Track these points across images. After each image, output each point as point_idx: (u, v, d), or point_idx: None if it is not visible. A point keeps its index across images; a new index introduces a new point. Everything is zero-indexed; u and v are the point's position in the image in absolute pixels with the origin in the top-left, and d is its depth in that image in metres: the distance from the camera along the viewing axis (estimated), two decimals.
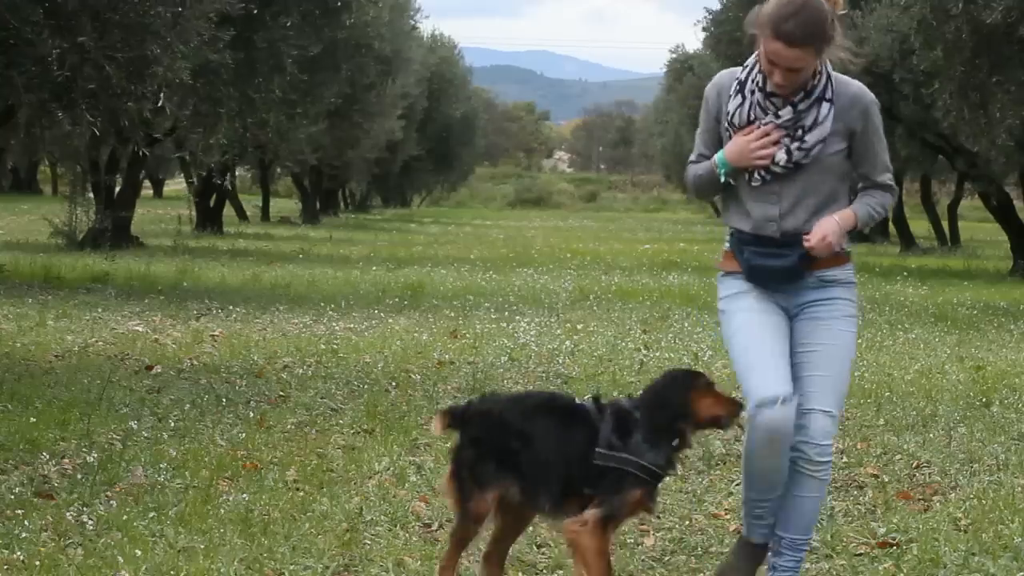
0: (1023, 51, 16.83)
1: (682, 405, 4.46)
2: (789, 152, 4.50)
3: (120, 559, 4.91)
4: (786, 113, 4.50)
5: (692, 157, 4.72)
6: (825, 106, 4.52)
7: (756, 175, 4.53)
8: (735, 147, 4.52)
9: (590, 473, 4.42)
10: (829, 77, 4.55)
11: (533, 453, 4.48)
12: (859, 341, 12.06)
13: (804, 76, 4.47)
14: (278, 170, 43.20)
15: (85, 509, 5.59)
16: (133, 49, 11.46)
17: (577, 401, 4.68)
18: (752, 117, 4.52)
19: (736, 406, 4.52)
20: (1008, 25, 15.96)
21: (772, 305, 4.61)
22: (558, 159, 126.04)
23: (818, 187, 4.56)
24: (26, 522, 5.34)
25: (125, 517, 5.44)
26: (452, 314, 14.03)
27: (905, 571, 5.10)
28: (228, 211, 36.71)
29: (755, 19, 4.47)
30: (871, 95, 4.63)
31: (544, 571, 5.08)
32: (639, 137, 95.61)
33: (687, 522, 5.76)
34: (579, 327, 12.95)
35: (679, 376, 4.60)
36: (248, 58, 18.69)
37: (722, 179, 4.58)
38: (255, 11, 17.70)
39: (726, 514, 5.86)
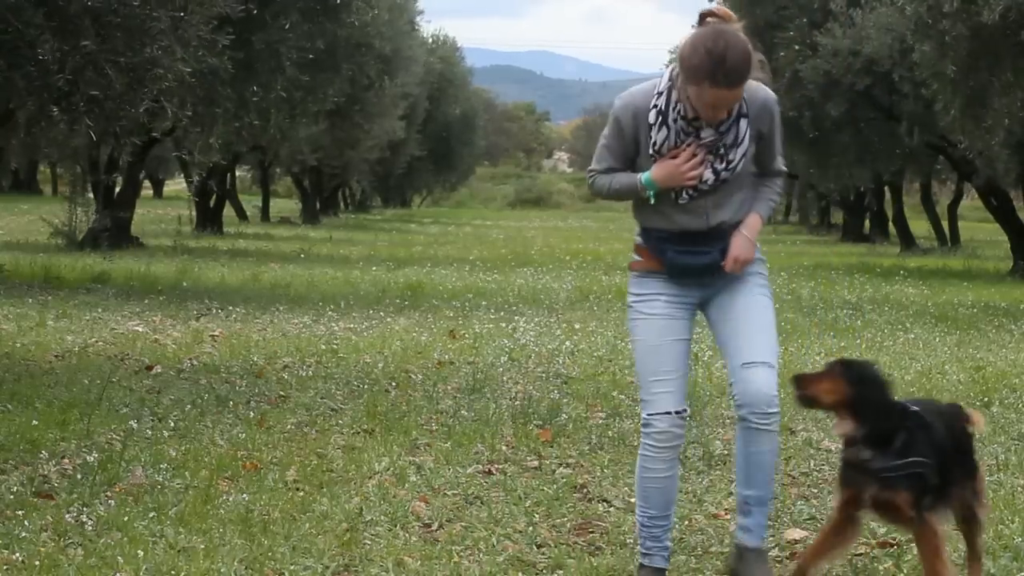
0: (1022, 53, 16.82)
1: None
2: (716, 172, 4.66)
3: (120, 559, 4.91)
4: (708, 135, 4.63)
5: (597, 167, 4.79)
6: (743, 122, 4.65)
7: (684, 194, 4.68)
8: (663, 171, 4.64)
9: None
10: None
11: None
12: (859, 341, 12.12)
13: (738, 102, 4.60)
14: (278, 170, 43.25)
15: (85, 509, 5.59)
16: (135, 53, 11.45)
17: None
18: (677, 143, 4.64)
19: None
20: (1006, 25, 15.96)
21: (682, 308, 4.79)
22: (558, 159, 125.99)
23: (737, 187, 4.74)
24: (26, 522, 5.34)
25: (125, 517, 5.44)
26: (452, 314, 14.03)
27: (905, 571, 5.10)
28: (228, 211, 36.72)
29: (681, 62, 4.54)
30: (773, 95, 4.76)
31: (544, 571, 5.08)
32: None
33: (687, 522, 5.76)
34: (579, 327, 12.95)
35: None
36: (247, 59, 18.68)
37: (652, 200, 4.70)
38: (254, 11, 17.69)
39: (726, 514, 5.86)
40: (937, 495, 4.61)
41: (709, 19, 4.58)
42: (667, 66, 4.82)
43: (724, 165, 4.64)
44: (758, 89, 4.68)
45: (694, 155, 4.62)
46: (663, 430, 4.71)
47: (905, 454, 4.54)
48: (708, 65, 4.43)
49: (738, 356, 4.71)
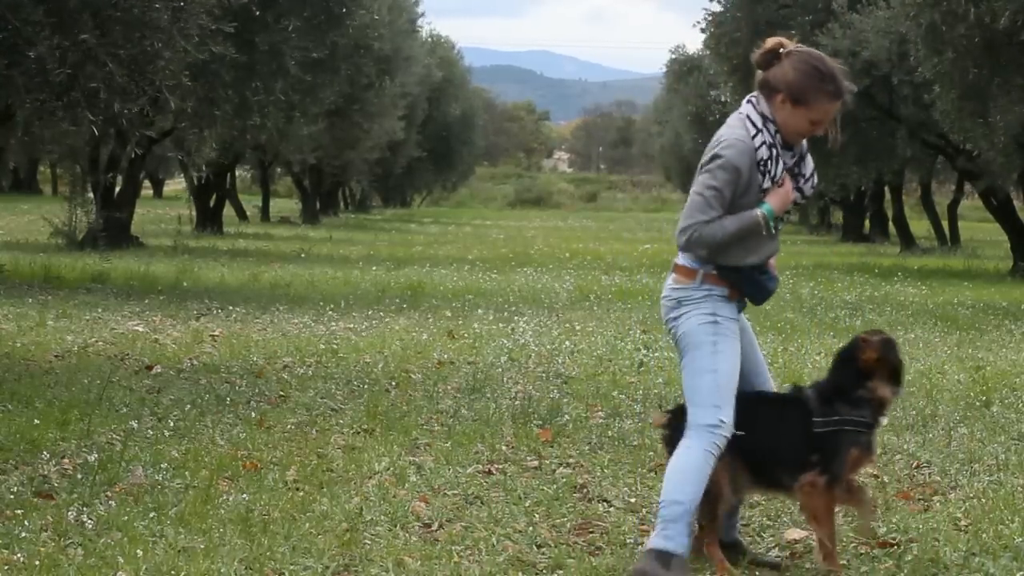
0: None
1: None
2: (800, 190, 5.09)
3: (120, 559, 4.91)
4: (788, 158, 5.03)
5: (705, 217, 4.93)
6: (804, 142, 5.09)
7: (783, 219, 5.09)
8: (778, 199, 4.98)
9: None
10: None
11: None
12: None
13: None
14: (278, 170, 43.25)
15: (85, 509, 5.59)
16: (135, 46, 11.45)
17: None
18: (782, 172, 5.01)
19: None
20: (1014, 28, 15.96)
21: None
22: (558, 159, 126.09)
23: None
24: (26, 522, 5.34)
25: (125, 517, 5.44)
26: (452, 314, 14.03)
27: (905, 571, 5.10)
28: (228, 211, 36.72)
29: (783, 86, 4.92)
30: None
31: (544, 571, 5.08)
32: (639, 137, 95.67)
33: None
34: (579, 327, 12.95)
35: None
36: (249, 60, 18.68)
37: (774, 230, 5.02)
38: (257, 12, 17.68)
39: None
40: None
41: (783, 49, 4.99)
42: (747, 102, 5.04)
43: (803, 183, 5.09)
44: None
45: (786, 179, 5.01)
46: (727, 436, 4.98)
47: None
48: (826, 82, 4.91)
49: (760, 383, 5.22)
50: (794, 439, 5.07)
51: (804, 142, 5.06)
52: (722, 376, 4.97)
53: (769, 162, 4.92)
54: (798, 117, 4.92)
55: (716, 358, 4.96)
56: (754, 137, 4.91)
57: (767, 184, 4.94)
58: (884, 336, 5.14)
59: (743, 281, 5.02)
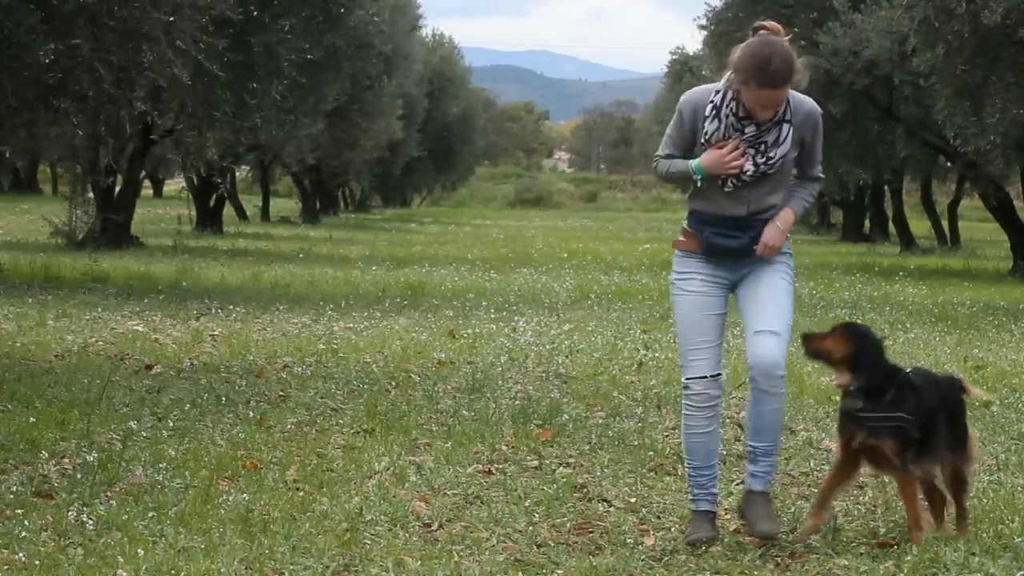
0: (1020, 52, 16.82)
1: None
2: (756, 165, 5.35)
3: (120, 559, 4.91)
4: (751, 130, 5.33)
5: (660, 153, 5.52)
6: (785, 127, 5.35)
7: (728, 182, 5.37)
8: (710, 159, 5.34)
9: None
10: (788, 100, 5.35)
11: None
12: None
13: (783, 103, 5.31)
14: (278, 170, 43.23)
15: (85, 509, 5.59)
16: (127, 54, 11.46)
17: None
18: (726, 136, 5.34)
19: None
20: (1007, 26, 15.95)
21: (716, 287, 5.49)
22: (558, 159, 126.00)
23: (777, 186, 5.46)
24: (26, 522, 5.34)
25: (125, 517, 5.44)
26: (452, 314, 14.03)
27: (905, 571, 5.10)
28: (228, 211, 36.71)
29: (734, 67, 5.26)
30: (819, 109, 5.50)
31: (544, 571, 5.08)
32: (639, 137, 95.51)
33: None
34: (579, 327, 12.95)
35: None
36: (246, 61, 18.66)
37: (698, 184, 5.40)
38: (254, 12, 17.66)
39: (726, 514, 5.86)
40: (921, 450, 5.38)
41: (760, 31, 5.30)
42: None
43: (764, 160, 5.34)
44: (804, 101, 5.41)
45: (737, 147, 5.30)
46: (699, 392, 5.42)
47: (892, 408, 5.33)
48: (754, 68, 5.17)
49: (751, 325, 5.44)
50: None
51: (785, 126, 5.32)
52: (681, 336, 5.47)
53: (706, 121, 5.34)
54: (745, 95, 5.26)
55: (679, 322, 5.48)
56: (712, 97, 5.34)
57: (702, 140, 5.36)
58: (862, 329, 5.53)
59: (694, 228, 5.45)
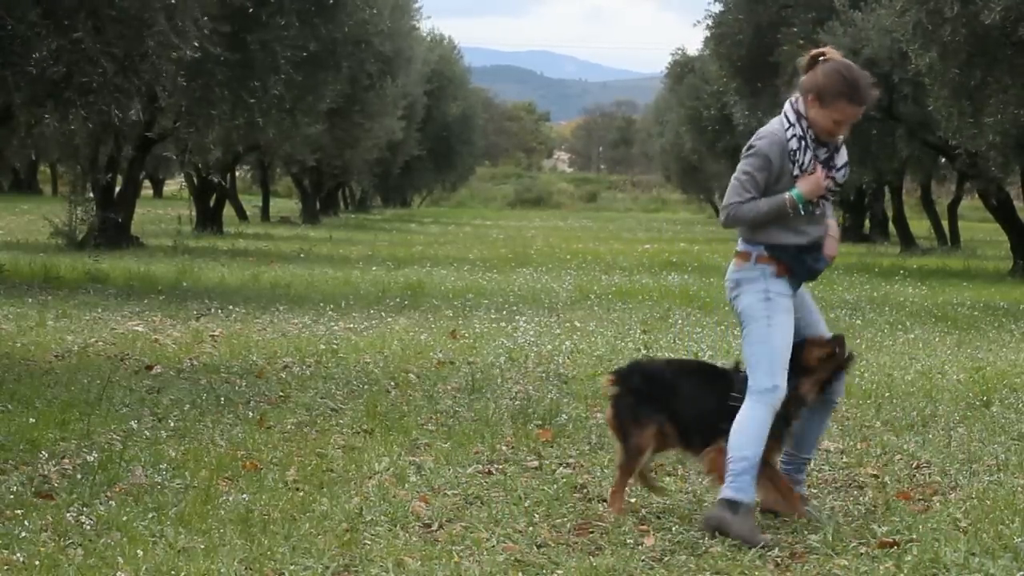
0: (1019, 52, 16.82)
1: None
2: (833, 179, 5.77)
3: (120, 559, 4.91)
4: (823, 152, 5.76)
5: (738, 199, 5.74)
6: (843, 146, 5.82)
7: (817, 206, 5.76)
8: (809, 185, 5.70)
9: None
10: None
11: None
12: (859, 341, 12.11)
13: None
14: (278, 170, 43.22)
15: (85, 509, 5.59)
16: (129, 44, 11.45)
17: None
18: (811, 162, 5.73)
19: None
20: (1005, 26, 15.94)
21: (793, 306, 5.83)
22: (558, 159, 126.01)
23: (828, 204, 5.85)
24: (26, 522, 5.34)
25: (125, 517, 5.44)
26: (452, 314, 14.03)
27: (905, 571, 5.10)
28: (228, 211, 36.71)
29: (812, 88, 5.65)
30: None
31: (544, 571, 5.08)
32: (639, 137, 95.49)
33: (687, 522, 5.76)
34: (579, 327, 12.95)
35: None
36: (243, 58, 18.64)
37: (803, 211, 5.71)
38: (250, 9, 17.65)
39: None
40: None
41: (822, 57, 5.71)
42: (788, 101, 5.79)
43: (834, 177, 5.76)
44: None
45: (822, 171, 5.71)
46: (781, 397, 5.67)
47: None
48: (847, 87, 5.60)
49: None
50: (712, 407, 5.78)
51: (840, 137, 5.75)
52: (775, 346, 5.68)
53: (798, 152, 5.67)
54: (824, 116, 5.64)
55: (770, 331, 5.68)
56: (787, 130, 5.67)
57: (796, 172, 5.67)
58: (837, 342, 5.86)
59: (789, 259, 5.74)
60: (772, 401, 5.67)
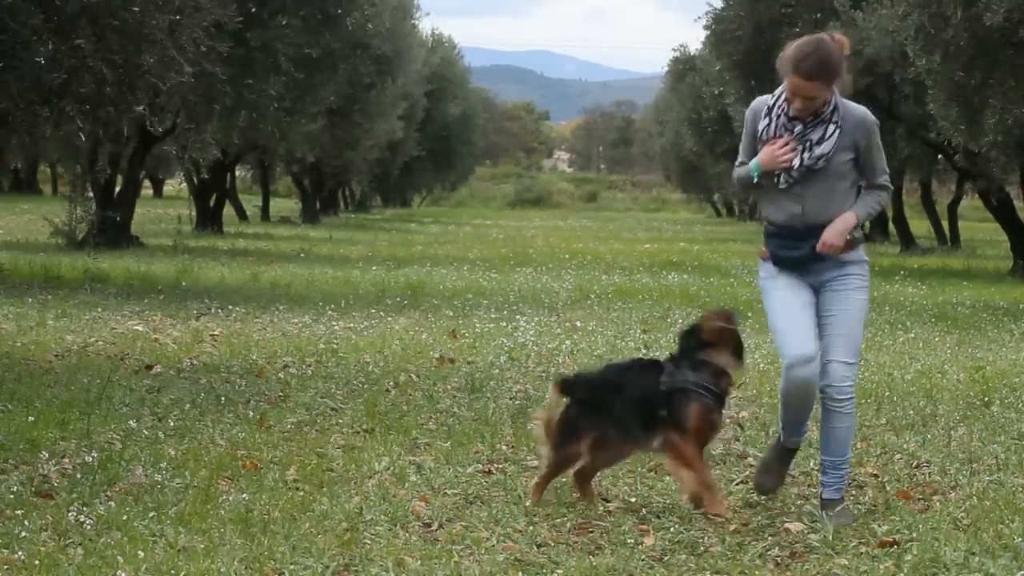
0: (1020, 52, 16.81)
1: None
2: (801, 159, 5.77)
3: (120, 559, 4.91)
4: (798, 128, 5.80)
5: (736, 162, 6.02)
6: (831, 127, 5.77)
7: (781, 178, 5.81)
8: (764, 155, 5.83)
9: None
10: (836, 105, 5.78)
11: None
12: None
13: (818, 103, 5.74)
14: (278, 170, 43.22)
15: (85, 509, 5.59)
16: (129, 55, 11.46)
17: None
18: (776, 134, 5.82)
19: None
20: (1007, 27, 15.94)
21: (801, 282, 5.88)
22: (558, 159, 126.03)
23: (832, 189, 5.82)
24: (26, 522, 5.34)
25: (125, 517, 5.44)
26: (452, 314, 14.03)
27: (905, 571, 5.09)
28: (228, 211, 36.70)
29: (781, 59, 5.75)
30: (872, 118, 5.88)
31: (544, 571, 5.08)
32: (639, 137, 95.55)
33: (687, 522, 5.76)
34: (579, 326, 12.95)
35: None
36: (244, 57, 18.65)
37: (754, 180, 5.86)
38: (252, 9, 17.65)
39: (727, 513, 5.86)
40: None
41: (827, 35, 5.80)
42: None
43: (808, 155, 5.76)
44: (857, 108, 5.84)
45: (787, 143, 5.76)
46: (797, 374, 5.75)
47: None
48: (794, 55, 5.68)
49: (825, 353, 5.84)
50: (646, 396, 5.88)
51: (831, 127, 5.74)
52: (776, 328, 5.86)
53: (761, 121, 5.87)
54: (787, 91, 5.78)
55: (769, 315, 5.94)
56: (770, 103, 5.84)
57: (763, 139, 5.84)
58: (726, 312, 6.07)
59: (766, 239, 5.94)
60: (790, 379, 5.79)
